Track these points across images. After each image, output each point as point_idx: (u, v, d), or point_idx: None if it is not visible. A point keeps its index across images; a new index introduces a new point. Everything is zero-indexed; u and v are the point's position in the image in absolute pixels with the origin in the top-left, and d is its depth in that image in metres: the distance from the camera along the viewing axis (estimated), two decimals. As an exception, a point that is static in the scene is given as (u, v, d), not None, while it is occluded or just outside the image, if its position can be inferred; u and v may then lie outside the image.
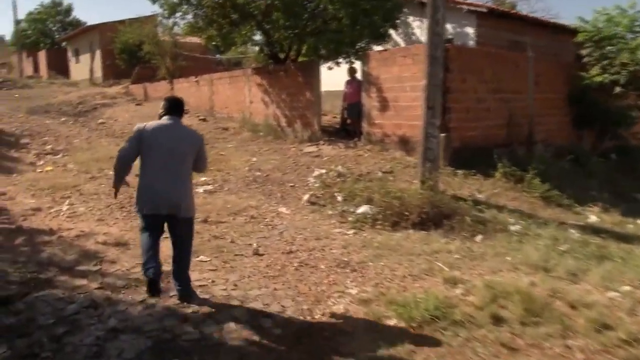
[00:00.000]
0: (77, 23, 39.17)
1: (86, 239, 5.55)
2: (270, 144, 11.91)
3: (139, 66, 23.64)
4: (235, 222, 6.53)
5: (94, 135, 12.89)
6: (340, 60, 12.43)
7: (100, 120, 15.51)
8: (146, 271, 3.80)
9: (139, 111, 16.88)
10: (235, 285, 4.39)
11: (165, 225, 4.00)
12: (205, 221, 6.37)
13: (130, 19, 25.84)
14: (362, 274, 4.75)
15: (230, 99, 15.20)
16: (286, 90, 12.78)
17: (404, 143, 9.81)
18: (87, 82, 28.00)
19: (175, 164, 3.89)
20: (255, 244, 5.53)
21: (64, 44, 36.33)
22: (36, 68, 36.53)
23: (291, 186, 8.41)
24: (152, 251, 3.83)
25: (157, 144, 3.87)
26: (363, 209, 6.83)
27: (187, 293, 3.95)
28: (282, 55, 14.02)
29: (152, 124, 3.99)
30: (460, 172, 8.50)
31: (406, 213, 6.38)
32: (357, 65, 11.47)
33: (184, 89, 17.83)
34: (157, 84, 20.37)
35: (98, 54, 28.11)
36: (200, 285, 4.26)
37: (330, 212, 7.01)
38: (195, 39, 28.11)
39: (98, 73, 28.02)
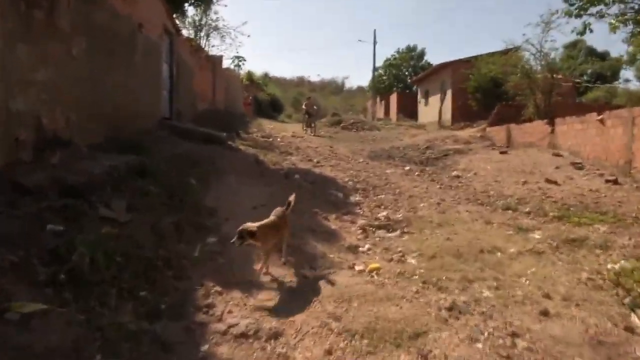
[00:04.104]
0: (428, 66, 38.15)
1: None
2: None
3: (499, 105, 19.12)
4: None
5: (447, 197, 8.54)
6: None
7: (453, 173, 11.31)
8: None
9: (504, 162, 12.02)
10: None
11: None
12: None
13: (486, 53, 22.16)
14: None
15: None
16: None
17: None
18: (434, 124, 25.47)
19: None
20: None
21: (414, 87, 35.65)
22: (387, 111, 36.87)
23: None
24: None
25: None
26: None
27: None
28: None
29: None
30: None
31: None
32: None
33: (574, 132, 12.18)
34: (525, 126, 15.27)
35: (449, 94, 25.23)
36: None
37: None
38: (561, 76, 22.25)
39: (447, 115, 25.02)
